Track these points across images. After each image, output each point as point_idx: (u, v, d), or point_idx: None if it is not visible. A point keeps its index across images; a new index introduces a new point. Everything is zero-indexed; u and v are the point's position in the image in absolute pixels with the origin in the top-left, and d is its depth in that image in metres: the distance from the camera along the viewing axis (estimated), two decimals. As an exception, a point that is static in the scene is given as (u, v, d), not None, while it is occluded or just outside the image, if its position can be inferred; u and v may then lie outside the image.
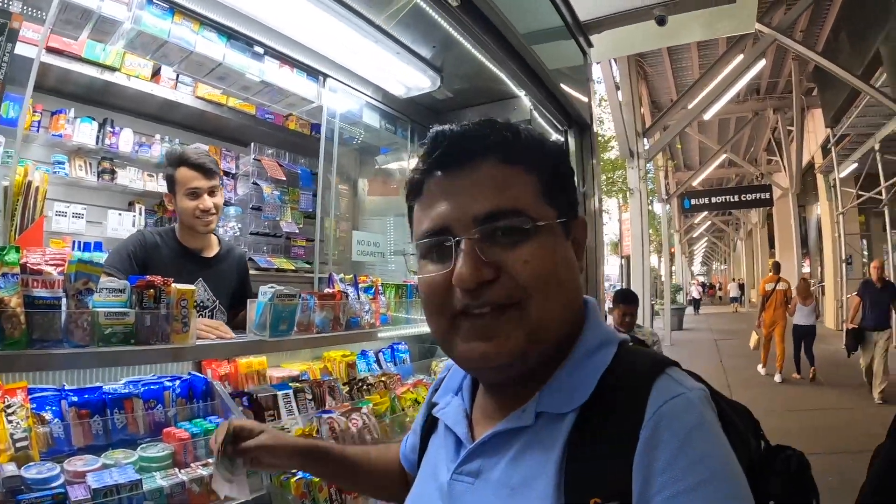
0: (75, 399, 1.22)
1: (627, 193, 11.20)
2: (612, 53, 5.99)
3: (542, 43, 2.84)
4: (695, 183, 17.35)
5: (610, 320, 3.67)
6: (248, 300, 1.67)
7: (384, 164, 3.92)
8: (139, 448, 1.23)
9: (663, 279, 17.08)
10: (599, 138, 10.19)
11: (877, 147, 9.80)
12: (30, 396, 1.18)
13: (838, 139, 10.91)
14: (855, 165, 11.73)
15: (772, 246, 22.20)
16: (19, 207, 2.51)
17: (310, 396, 1.78)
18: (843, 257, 11.95)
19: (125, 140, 3.20)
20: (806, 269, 15.27)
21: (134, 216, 3.28)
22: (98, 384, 1.33)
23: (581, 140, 3.71)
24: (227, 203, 1.93)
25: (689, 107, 8.33)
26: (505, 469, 0.59)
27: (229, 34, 2.34)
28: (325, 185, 3.23)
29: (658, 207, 17.02)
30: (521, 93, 2.92)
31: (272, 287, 1.56)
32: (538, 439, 0.58)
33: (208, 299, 2.04)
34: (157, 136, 3.36)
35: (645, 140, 10.12)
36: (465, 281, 0.58)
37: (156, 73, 3.10)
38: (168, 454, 1.23)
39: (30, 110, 2.75)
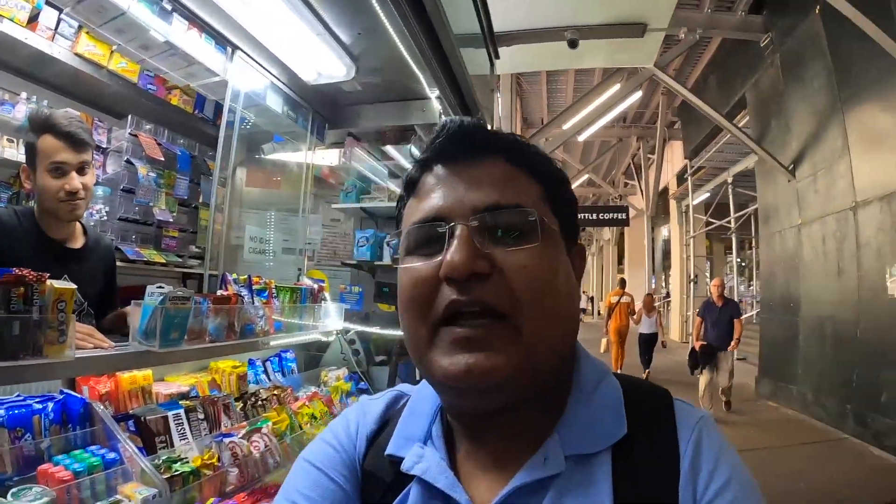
0: None
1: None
2: (521, 67, 6.20)
3: (461, 47, 2.77)
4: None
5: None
6: (133, 302, 1.35)
7: (270, 154, 3.54)
8: (10, 494, 0.93)
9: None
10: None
11: (730, 180, 11.37)
12: None
13: (696, 170, 12.52)
14: (707, 195, 13.59)
15: (620, 262, 24.89)
16: None
17: (202, 416, 1.51)
18: (691, 276, 13.71)
19: (-19, 94, 2.47)
20: (654, 285, 17.27)
21: (-16, 189, 2.54)
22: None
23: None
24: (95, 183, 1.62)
25: (565, 127, 8.90)
26: None
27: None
28: (220, 172, 2.82)
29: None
30: (433, 94, 2.78)
31: (161, 287, 1.28)
32: (570, 487, 0.50)
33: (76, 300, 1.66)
34: (24, 95, 2.66)
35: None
36: (457, 268, 0.49)
37: (33, 20, 2.44)
38: (49, 501, 0.93)
39: None
